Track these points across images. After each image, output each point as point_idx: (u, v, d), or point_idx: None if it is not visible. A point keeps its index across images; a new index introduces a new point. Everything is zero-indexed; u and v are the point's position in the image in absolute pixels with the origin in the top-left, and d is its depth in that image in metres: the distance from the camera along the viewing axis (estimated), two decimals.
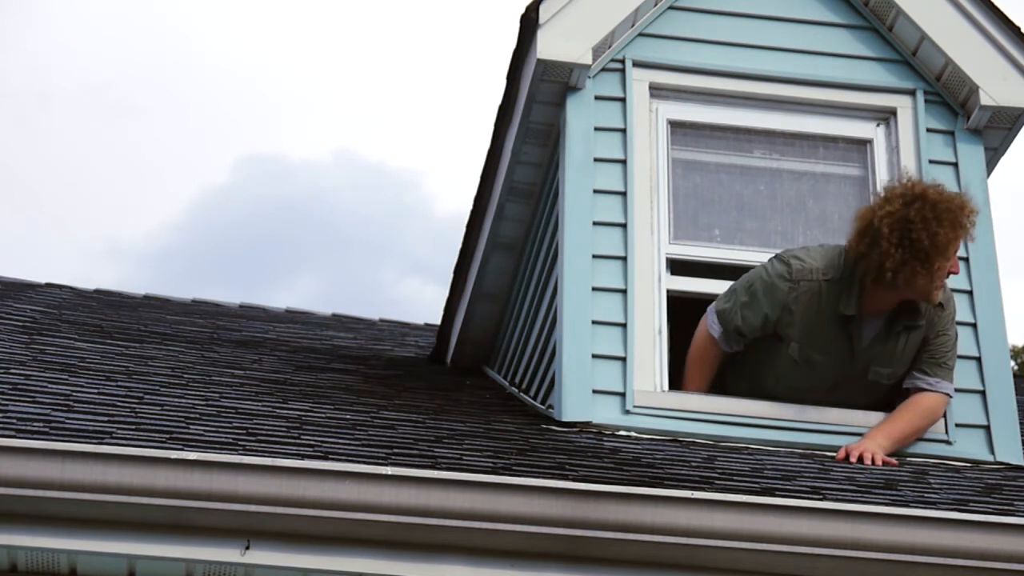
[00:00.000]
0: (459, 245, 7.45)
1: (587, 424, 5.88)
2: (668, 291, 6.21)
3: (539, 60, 6.31)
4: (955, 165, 6.51)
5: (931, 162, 6.49)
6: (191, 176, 27.97)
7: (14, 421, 5.00)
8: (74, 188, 27.28)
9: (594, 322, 6.05)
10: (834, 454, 5.84)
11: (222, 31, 28.36)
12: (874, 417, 6.00)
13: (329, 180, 28.14)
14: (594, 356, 5.99)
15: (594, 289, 6.11)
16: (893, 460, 5.77)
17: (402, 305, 26.84)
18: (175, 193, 28.13)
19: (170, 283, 27.42)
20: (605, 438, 5.77)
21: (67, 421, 5.09)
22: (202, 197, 27.77)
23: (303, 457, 4.84)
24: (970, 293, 6.28)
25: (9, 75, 26.57)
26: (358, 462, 4.82)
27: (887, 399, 6.08)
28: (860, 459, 5.72)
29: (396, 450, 5.14)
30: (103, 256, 26.62)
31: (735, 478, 5.24)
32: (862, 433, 5.92)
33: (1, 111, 26.42)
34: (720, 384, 6.19)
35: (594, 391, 5.93)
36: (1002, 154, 6.69)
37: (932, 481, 5.56)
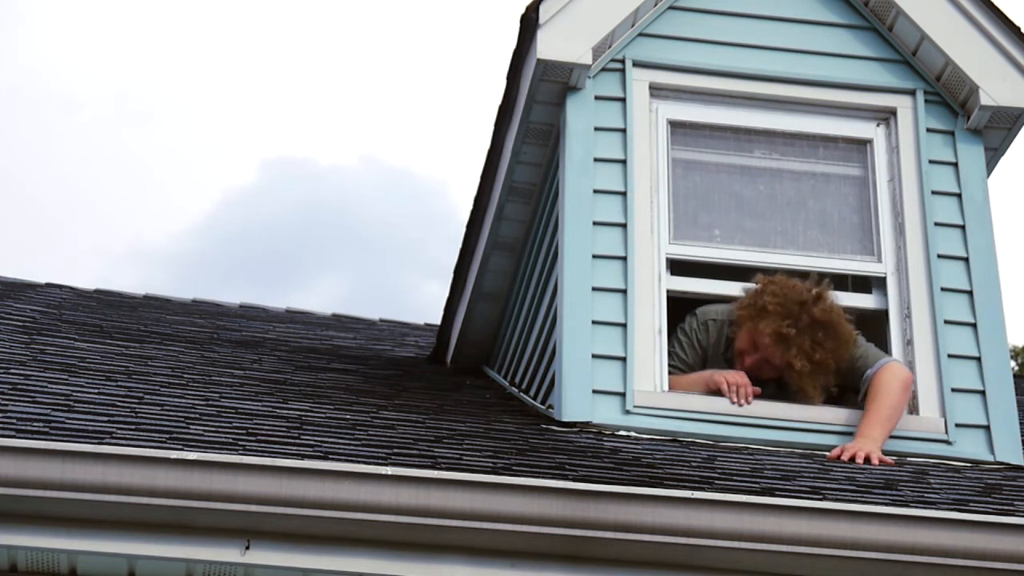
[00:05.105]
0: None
1: (587, 424, 5.88)
2: (668, 291, 6.21)
3: (539, 60, 6.30)
4: (955, 165, 6.51)
5: (931, 162, 6.49)
6: (216, 179, 28.04)
7: (14, 421, 5.00)
8: (98, 192, 27.34)
9: (594, 322, 6.05)
10: None
11: (249, 35, 28.42)
12: None
13: (355, 184, 28.20)
14: (594, 356, 5.99)
15: (594, 289, 6.11)
16: (890, 460, 5.77)
17: (424, 309, 26.87)
18: (200, 196, 28.19)
19: (192, 285, 27.45)
20: (605, 438, 5.77)
21: (67, 421, 5.09)
22: (227, 200, 27.81)
23: (303, 457, 4.84)
24: (970, 293, 6.28)
25: (35, 82, 26.68)
26: (358, 462, 4.82)
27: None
28: (853, 459, 5.72)
29: (396, 450, 5.14)
30: (127, 259, 26.66)
31: (735, 478, 5.25)
32: None
33: (27, 117, 26.52)
34: None
35: (594, 391, 5.93)
36: (1002, 154, 6.69)
37: (932, 481, 5.56)
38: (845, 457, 5.73)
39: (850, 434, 5.94)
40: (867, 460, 5.72)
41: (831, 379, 6.13)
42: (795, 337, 6.07)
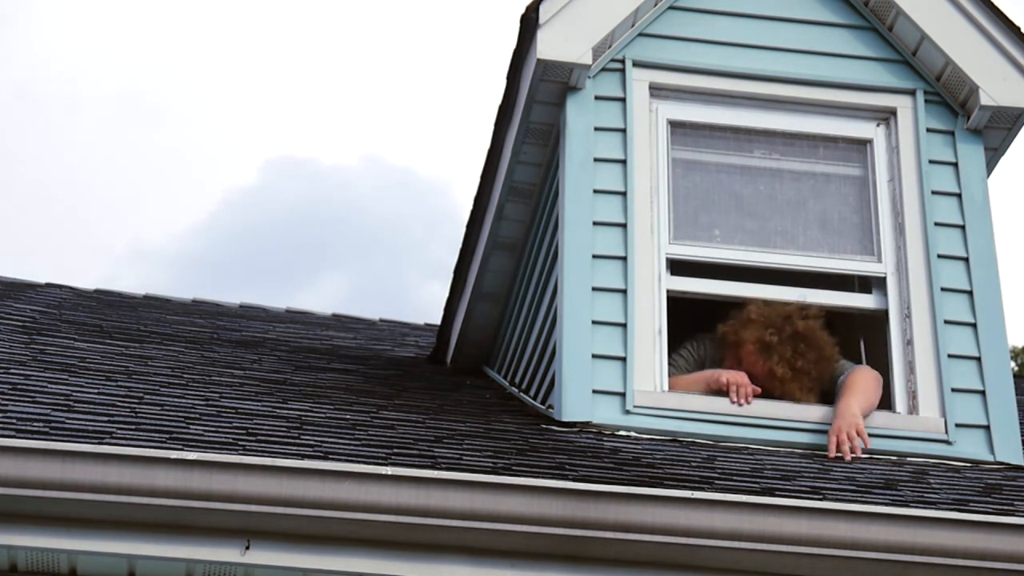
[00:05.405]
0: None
1: (587, 424, 5.88)
2: (668, 291, 6.21)
3: (539, 60, 6.30)
4: (955, 165, 6.51)
5: (931, 162, 6.49)
6: (218, 179, 28.03)
7: (14, 421, 5.01)
8: (100, 192, 27.34)
9: (594, 322, 6.05)
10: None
11: (252, 36, 28.42)
12: (873, 416, 6.01)
13: (357, 185, 28.19)
14: (594, 356, 5.99)
15: (594, 289, 6.11)
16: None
17: (426, 309, 26.87)
18: (201, 196, 28.17)
19: (193, 285, 27.42)
20: (605, 438, 5.77)
21: (67, 421, 5.09)
22: (229, 200, 27.80)
23: (303, 457, 4.84)
24: (970, 293, 6.28)
25: (38, 84, 26.68)
26: (358, 462, 4.82)
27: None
28: (843, 449, 5.77)
29: (396, 450, 5.14)
30: (128, 259, 26.65)
31: (735, 478, 5.25)
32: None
33: (30, 119, 26.53)
34: None
35: (594, 391, 5.93)
36: (1002, 154, 6.70)
37: (932, 481, 5.56)
38: (832, 447, 5.78)
39: None
40: (852, 435, 5.79)
41: (816, 387, 6.16)
42: (777, 345, 6.16)
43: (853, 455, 5.78)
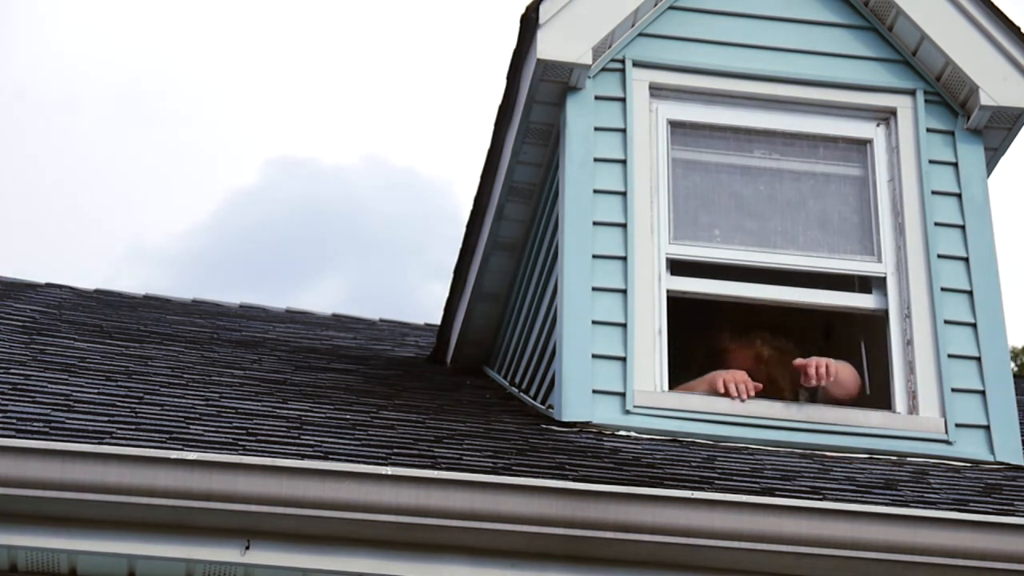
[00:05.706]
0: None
1: (587, 424, 5.88)
2: (668, 291, 6.21)
3: (539, 60, 6.31)
4: (955, 165, 6.51)
5: (931, 162, 6.49)
6: (219, 179, 28.03)
7: (14, 421, 5.01)
8: (100, 192, 27.33)
9: (594, 322, 6.05)
10: (834, 454, 5.86)
11: (252, 35, 28.42)
12: (873, 416, 6.02)
13: (358, 184, 28.19)
14: (594, 356, 5.99)
15: (594, 289, 6.11)
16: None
17: (428, 310, 26.86)
18: (202, 196, 28.16)
19: (194, 286, 27.41)
20: (605, 438, 5.78)
21: (67, 421, 5.09)
22: (230, 200, 27.80)
23: (303, 457, 4.84)
24: (970, 293, 6.28)
25: (37, 82, 26.68)
26: (358, 462, 4.82)
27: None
28: (807, 365, 6.03)
29: (396, 450, 5.14)
30: (129, 259, 26.64)
31: (735, 478, 5.25)
32: (862, 432, 5.95)
33: (30, 117, 26.53)
34: None
35: (594, 391, 5.93)
36: (1002, 154, 6.70)
37: (932, 481, 5.56)
38: (800, 363, 6.06)
39: (850, 434, 5.95)
40: (820, 371, 6.03)
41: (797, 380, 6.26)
42: (753, 331, 6.42)
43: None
